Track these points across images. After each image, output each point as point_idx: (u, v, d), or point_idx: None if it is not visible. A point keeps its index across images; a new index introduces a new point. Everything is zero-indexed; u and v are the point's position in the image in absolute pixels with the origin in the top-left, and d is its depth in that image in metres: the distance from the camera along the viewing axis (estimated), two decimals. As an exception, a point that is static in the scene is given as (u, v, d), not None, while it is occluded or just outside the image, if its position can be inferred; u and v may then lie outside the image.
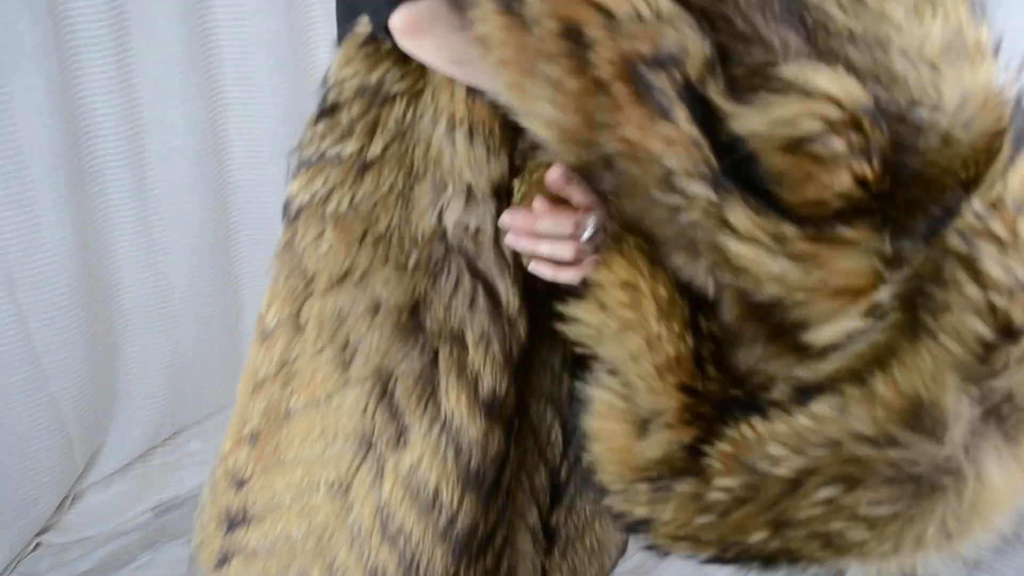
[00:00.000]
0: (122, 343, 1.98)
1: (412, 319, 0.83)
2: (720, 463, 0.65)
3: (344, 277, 0.83)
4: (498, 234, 0.82)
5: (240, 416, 0.94)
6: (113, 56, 1.70)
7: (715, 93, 0.61)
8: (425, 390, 0.83)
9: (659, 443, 0.68)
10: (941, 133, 0.59)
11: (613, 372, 0.73)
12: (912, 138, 0.59)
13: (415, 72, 0.81)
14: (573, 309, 0.74)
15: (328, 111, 0.83)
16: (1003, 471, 0.58)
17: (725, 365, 0.68)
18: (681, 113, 0.60)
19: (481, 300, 0.82)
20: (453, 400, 0.83)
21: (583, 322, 0.74)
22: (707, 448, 0.66)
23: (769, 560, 0.65)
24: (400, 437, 0.84)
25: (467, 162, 0.79)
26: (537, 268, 0.79)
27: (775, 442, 0.62)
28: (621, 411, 0.72)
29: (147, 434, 2.08)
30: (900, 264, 0.59)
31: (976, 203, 0.57)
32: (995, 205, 0.56)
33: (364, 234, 0.83)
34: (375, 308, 0.83)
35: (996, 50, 0.63)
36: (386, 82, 0.81)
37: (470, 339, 0.82)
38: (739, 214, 0.59)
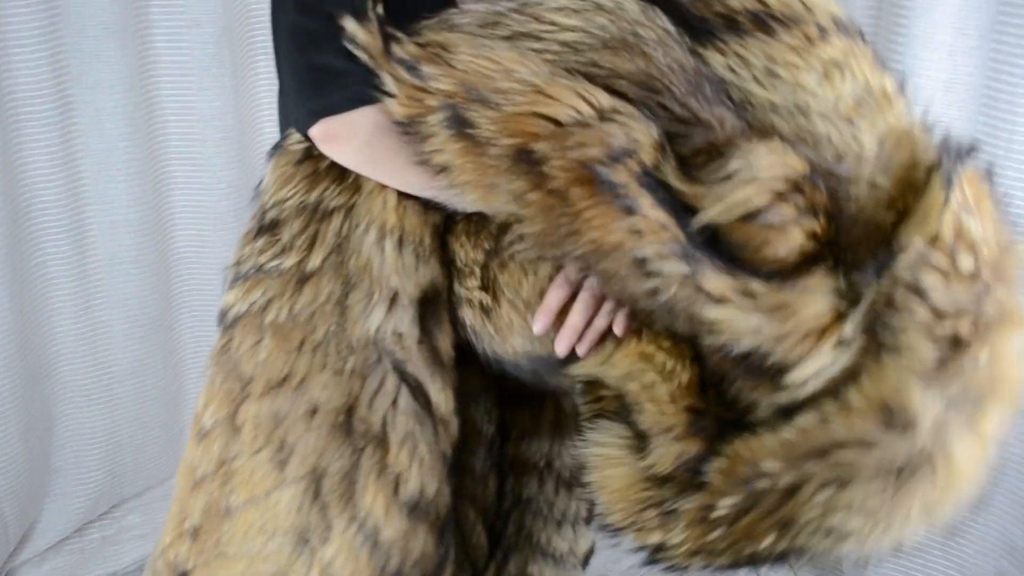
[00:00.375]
0: (59, 416, 1.95)
1: (347, 420, 0.85)
2: (719, 478, 0.71)
3: (283, 382, 0.86)
4: (424, 337, 0.84)
5: (180, 511, 0.94)
6: (56, 131, 1.71)
7: (670, 175, 0.66)
8: (348, 489, 0.85)
9: (668, 455, 0.75)
10: (867, 180, 0.67)
11: (607, 421, 0.81)
12: (844, 189, 0.67)
13: (351, 187, 0.84)
14: (575, 369, 0.81)
15: (268, 228, 0.86)
16: (967, 450, 0.66)
17: (717, 391, 0.75)
18: (645, 202, 0.65)
19: (404, 401, 0.85)
20: (369, 500, 0.85)
21: (585, 369, 0.80)
22: (706, 466, 0.72)
23: (779, 558, 0.71)
24: (326, 532, 0.86)
25: (395, 269, 0.82)
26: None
27: (768, 458, 0.68)
28: (616, 459, 0.79)
29: (84, 508, 2.03)
30: (857, 299, 0.66)
31: (918, 241, 0.64)
32: (934, 241, 0.64)
33: (302, 342, 0.85)
34: (313, 411, 0.85)
35: (901, 90, 0.71)
36: (325, 198, 0.85)
37: (393, 440, 0.84)
38: (712, 280, 0.65)
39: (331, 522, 0.85)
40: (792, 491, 0.67)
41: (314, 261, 0.85)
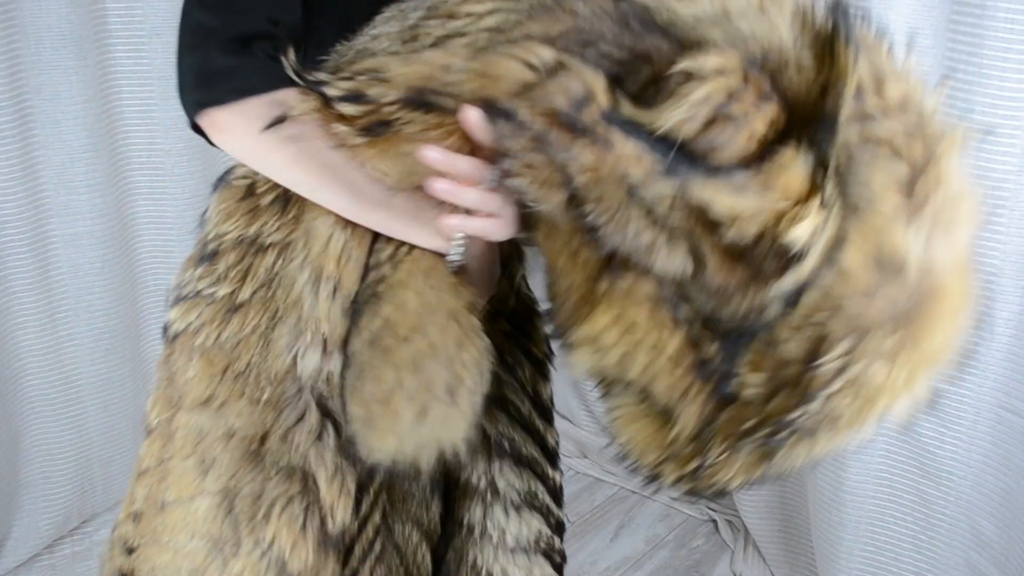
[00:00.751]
0: (26, 432, 1.94)
1: (260, 448, 0.89)
2: (745, 390, 0.73)
3: (206, 403, 0.90)
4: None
5: (130, 494, 1.00)
6: (15, 143, 1.70)
7: (628, 111, 0.70)
8: (255, 514, 0.89)
9: (691, 414, 0.76)
10: (794, 63, 0.71)
11: (616, 390, 0.82)
12: (779, 75, 0.71)
13: (290, 223, 0.87)
14: (571, 360, 0.81)
15: (208, 258, 0.90)
16: (956, 280, 0.70)
17: (716, 325, 0.76)
18: (617, 138, 0.69)
19: (329, 436, 0.88)
20: (272, 530, 0.88)
21: (583, 364, 0.81)
22: (727, 388, 0.74)
23: (810, 433, 0.73)
24: (235, 547, 0.91)
25: (326, 316, 0.85)
26: (464, 225, 0.82)
27: (784, 342, 0.71)
28: (636, 413, 0.81)
29: (55, 524, 2.02)
30: (823, 163, 0.70)
31: (849, 96, 0.69)
32: (859, 91, 0.69)
33: (226, 369, 0.90)
34: (230, 435, 0.90)
35: None
36: (263, 233, 0.88)
37: (322, 475, 0.88)
38: (700, 189, 0.68)
39: (240, 539, 0.90)
40: (811, 354, 0.70)
41: (244, 293, 0.89)
